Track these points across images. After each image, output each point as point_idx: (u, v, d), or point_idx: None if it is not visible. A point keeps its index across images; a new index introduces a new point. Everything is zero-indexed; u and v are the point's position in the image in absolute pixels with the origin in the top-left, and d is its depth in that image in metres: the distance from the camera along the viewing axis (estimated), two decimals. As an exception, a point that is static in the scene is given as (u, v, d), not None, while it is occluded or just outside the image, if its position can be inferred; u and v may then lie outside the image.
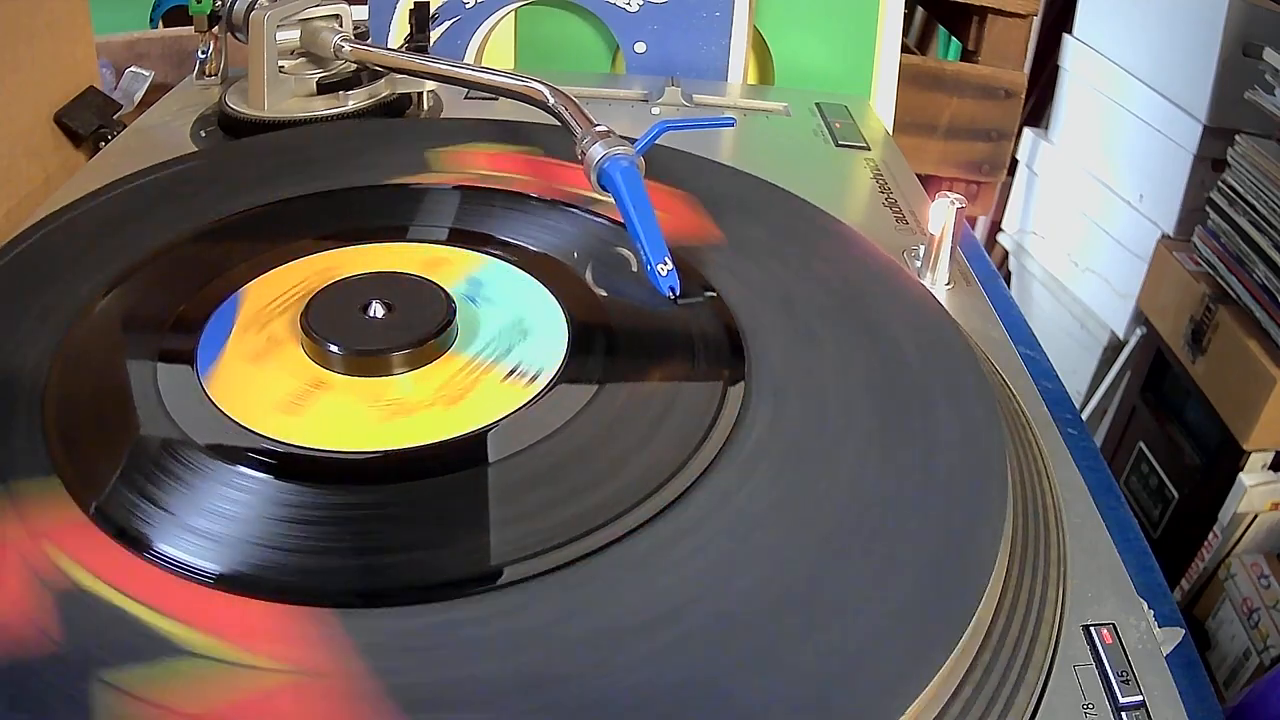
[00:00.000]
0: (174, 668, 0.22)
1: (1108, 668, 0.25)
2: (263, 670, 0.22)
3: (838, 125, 0.57)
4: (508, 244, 0.37)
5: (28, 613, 0.23)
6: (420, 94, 0.54)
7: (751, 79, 0.67)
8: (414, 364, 0.31)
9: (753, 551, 0.25)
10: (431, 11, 0.56)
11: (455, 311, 0.32)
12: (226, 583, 0.24)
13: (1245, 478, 0.80)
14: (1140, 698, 0.24)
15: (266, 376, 0.31)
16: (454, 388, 0.30)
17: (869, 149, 0.54)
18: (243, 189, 0.40)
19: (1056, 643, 0.25)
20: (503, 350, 0.32)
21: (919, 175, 0.53)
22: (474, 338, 0.33)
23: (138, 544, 0.24)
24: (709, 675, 0.22)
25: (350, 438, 0.28)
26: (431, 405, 0.30)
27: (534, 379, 0.31)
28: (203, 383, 0.30)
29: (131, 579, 0.24)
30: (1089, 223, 1.08)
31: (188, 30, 0.71)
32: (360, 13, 0.60)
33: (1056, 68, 1.13)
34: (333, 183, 0.41)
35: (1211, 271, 0.84)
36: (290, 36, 0.51)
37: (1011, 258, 1.25)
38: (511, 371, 0.31)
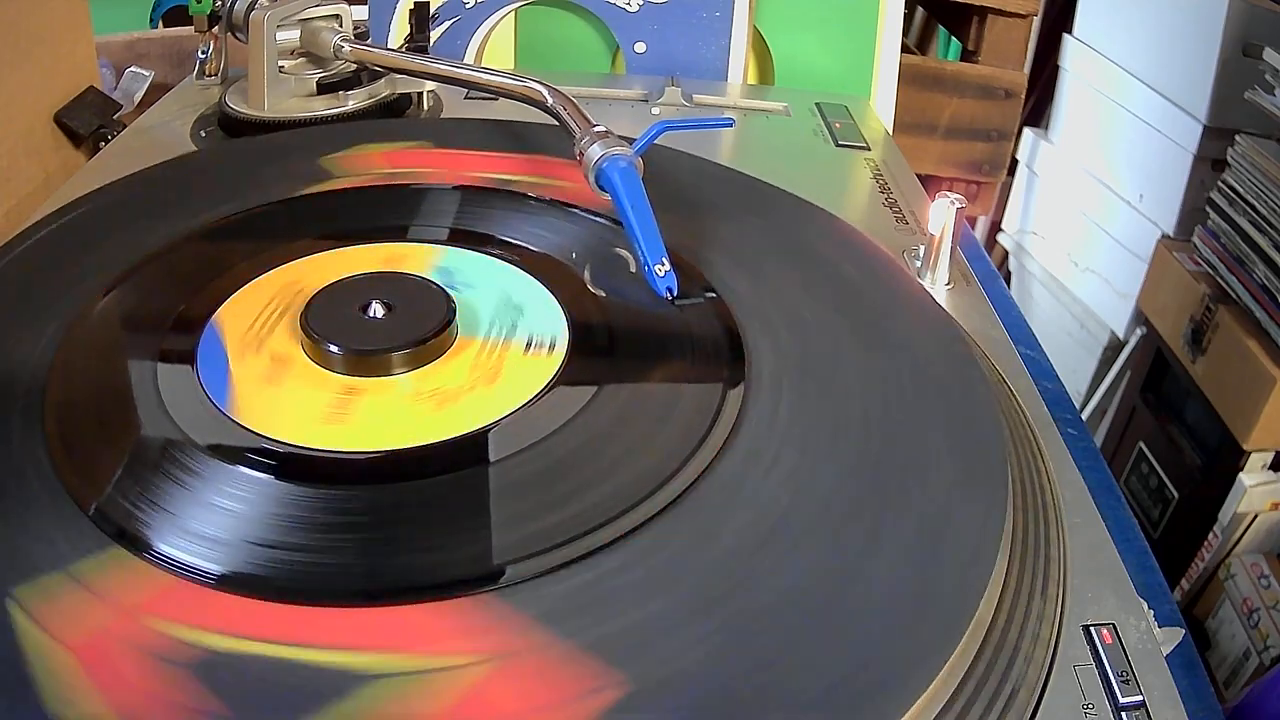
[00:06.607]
0: (371, 694, 0.21)
1: (1108, 668, 0.25)
2: (458, 668, 0.21)
3: (838, 125, 0.57)
4: (507, 244, 0.37)
5: (167, 699, 0.20)
6: (420, 94, 0.54)
7: (751, 79, 0.67)
8: (418, 362, 0.31)
9: (751, 551, 0.25)
10: (431, 11, 0.56)
11: (455, 310, 0.32)
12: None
13: (1245, 478, 0.80)
14: (1140, 698, 0.24)
15: (294, 392, 0.30)
16: (485, 368, 0.31)
17: (869, 149, 0.54)
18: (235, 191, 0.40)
19: (1056, 643, 0.25)
20: (509, 327, 0.33)
21: (919, 175, 0.52)
22: (476, 320, 0.33)
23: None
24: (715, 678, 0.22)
25: (405, 434, 0.28)
26: (473, 388, 0.30)
27: (553, 348, 0.32)
28: (221, 406, 0.29)
29: (265, 624, 0.22)
30: (1089, 223, 1.08)
31: (188, 30, 0.71)
32: (360, 13, 0.60)
33: (1056, 68, 1.13)
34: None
35: (1211, 271, 0.84)
36: (290, 36, 0.51)
37: (1011, 258, 1.25)
38: (529, 344, 0.32)
